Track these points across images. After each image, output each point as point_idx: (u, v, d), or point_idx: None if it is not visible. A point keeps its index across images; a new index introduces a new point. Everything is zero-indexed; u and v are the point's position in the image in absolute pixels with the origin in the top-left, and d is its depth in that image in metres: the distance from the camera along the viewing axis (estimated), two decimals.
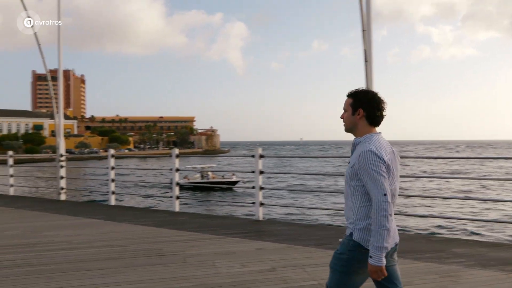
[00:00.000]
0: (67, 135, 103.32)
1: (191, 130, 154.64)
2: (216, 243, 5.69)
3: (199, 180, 34.11)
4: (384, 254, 2.15)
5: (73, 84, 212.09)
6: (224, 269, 4.47)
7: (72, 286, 4.02)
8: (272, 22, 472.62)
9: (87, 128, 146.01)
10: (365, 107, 2.32)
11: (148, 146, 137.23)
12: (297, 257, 4.95)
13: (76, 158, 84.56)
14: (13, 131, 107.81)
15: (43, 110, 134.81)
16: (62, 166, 10.50)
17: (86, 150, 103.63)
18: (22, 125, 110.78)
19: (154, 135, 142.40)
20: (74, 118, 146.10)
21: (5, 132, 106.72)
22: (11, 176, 11.69)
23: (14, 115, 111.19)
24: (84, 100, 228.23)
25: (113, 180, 9.56)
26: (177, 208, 8.59)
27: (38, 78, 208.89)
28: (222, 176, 35.63)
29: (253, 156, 7.57)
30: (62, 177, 10.51)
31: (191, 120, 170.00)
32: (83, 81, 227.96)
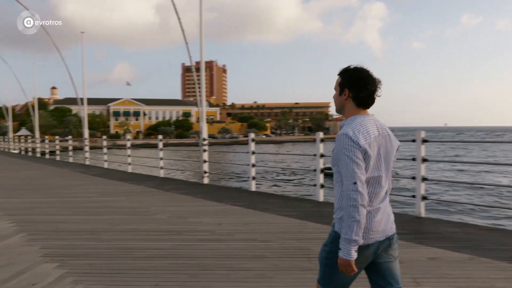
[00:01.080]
0: (211, 121, 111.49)
1: (326, 116, 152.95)
2: None
3: None
4: (353, 248, 1.96)
5: (216, 74, 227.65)
6: None
7: None
8: None
9: (228, 114, 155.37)
10: (351, 87, 2.11)
11: (284, 131, 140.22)
12: (487, 276, 3.73)
13: (218, 142, 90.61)
14: (166, 118, 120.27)
15: (191, 99, 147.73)
16: (205, 150, 10.60)
17: (227, 136, 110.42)
18: (173, 113, 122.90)
19: (290, 121, 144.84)
20: (217, 105, 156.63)
21: (160, 119, 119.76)
22: (161, 159, 12.32)
23: (167, 104, 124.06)
24: (225, 88, 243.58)
25: (253, 165, 9.22)
26: (321, 197, 7.82)
27: (186, 70, 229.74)
28: None
29: (413, 140, 6.35)
30: (205, 161, 10.62)
31: (326, 105, 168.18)
32: (224, 71, 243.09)
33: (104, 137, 17.51)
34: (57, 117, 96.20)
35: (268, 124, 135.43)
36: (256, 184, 9.69)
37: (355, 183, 1.94)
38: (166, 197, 8.58)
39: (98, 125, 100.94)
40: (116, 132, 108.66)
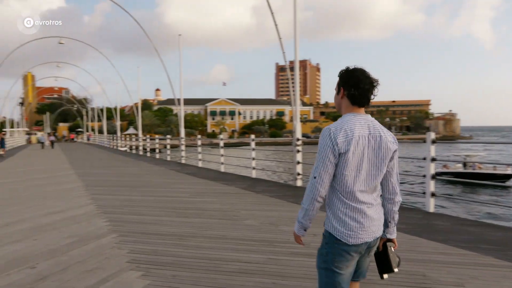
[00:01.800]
0: (304, 120, 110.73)
1: (426, 114, 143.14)
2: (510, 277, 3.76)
3: (461, 170, 27.38)
4: (301, 227, 2.25)
5: (310, 73, 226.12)
6: None
7: None
8: None
9: (322, 113, 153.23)
10: (345, 86, 2.18)
11: None
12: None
13: (312, 142, 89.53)
14: (260, 117, 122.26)
15: (284, 98, 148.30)
16: (298, 151, 10.02)
17: None
18: (267, 112, 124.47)
19: (386, 120, 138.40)
20: (310, 104, 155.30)
21: (254, 118, 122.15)
22: (253, 159, 12.01)
23: (261, 103, 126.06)
24: (319, 87, 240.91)
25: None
26: (431, 207, 6.80)
27: (280, 70, 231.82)
28: (494, 167, 26.90)
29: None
30: (298, 162, 10.04)
31: (426, 103, 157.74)
32: (318, 69, 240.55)
33: (199, 136, 17.84)
34: (160, 117, 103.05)
35: None
36: None
37: (315, 177, 2.11)
38: (257, 200, 8.18)
39: (196, 124, 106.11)
40: (213, 131, 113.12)
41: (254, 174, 12.10)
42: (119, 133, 40.27)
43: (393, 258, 2.29)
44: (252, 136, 12.34)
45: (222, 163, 14.06)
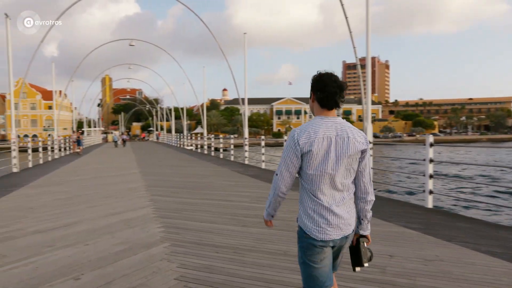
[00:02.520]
0: (372, 120, 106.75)
1: (508, 113, 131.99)
2: None
3: None
4: (268, 214, 2.53)
5: (378, 70, 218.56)
6: None
7: None
8: None
9: (391, 112, 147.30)
10: (314, 91, 2.30)
11: (455, 130, 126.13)
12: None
13: (380, 142, 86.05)
14: None
15: (351, 96, 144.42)
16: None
17: (390, 134, 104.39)
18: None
19: (462, 119, 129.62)
20: (379, 103, 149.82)
21: None
22: None
23: None
24: (388, 85, 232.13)
25: (431, 176, 7.41)
26: None
27: (347, 68, 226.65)
28: None
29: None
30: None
31: (508, 101, 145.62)
32: (387, 67, 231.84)
33: (262, 137, 17.36)
34: (226, 116, 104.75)
35: (436, 122, 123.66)
36: (435, 199, 7.82)
37: (277, 174, 2.32)
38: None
39: (262, 123, 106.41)
40: (278, 130, 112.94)
41: None
42: (185, 132, 41.13)
43: (365, 253, 2.36)
44: None
45: None
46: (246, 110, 18.41)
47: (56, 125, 28.55)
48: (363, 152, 2.25)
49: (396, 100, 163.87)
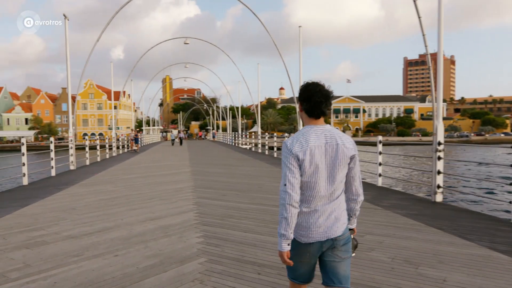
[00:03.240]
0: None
1: None
2: None
3: None
4: (284, 241, 2.22)
5: (443, 66, 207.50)
6: None
7: None
8: None
9: (456, 110, 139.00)
10: (301, 101, 2.38)
11: None
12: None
13: (456, 143, 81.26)
14: (387, 115, 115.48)
15: (413, 94, 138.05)
16: (439, 158, 7.97)
17: (455, 134, 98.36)
18: (394, 109, 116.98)
19: None
20: (444, 100, 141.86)
21: (380, 116, 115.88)
22: (380, 164, 10.19)
23: (387, 100, 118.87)
24: (453, 82, 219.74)
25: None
26: None
27: (409, 64, 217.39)
28: None
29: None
30: (439, 172, 7.99)
31: None
32: (452, 62, 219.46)
33: None
34: (283, 115, 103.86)
35: (507, 121, 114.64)
36: None
37: (285, 184, 2.23)
38: (385, 219, 6.46)
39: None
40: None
41: (380, 182, 10.26)
42: (240, 131, 40.92)
43: (352, 243, 2.46)
44: (379, 138, 10.43)
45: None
46: (298, 108, 17.46)
47: (114, 124, 29.28)
48: (352, 158, 2.32)
49: (462, 98, 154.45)
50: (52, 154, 13.79)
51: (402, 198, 8.68)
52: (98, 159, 20.76)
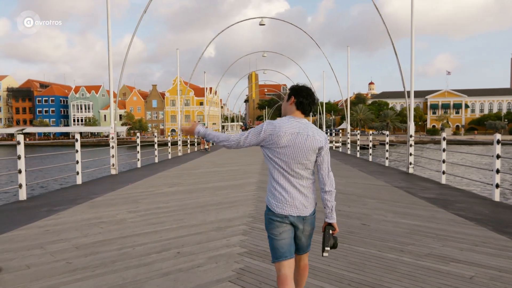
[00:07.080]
0: None
1: None
2: None
3: None
4: (202, 132, 2.76)
5: None
6: None
7: None
8: None
9: None
10: (296, 96, 2.65)
11: None
12: None
13: None
14: (494, 110, 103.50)
15: None
16: None
17: None
18: (503, 104, 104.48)
19: None
20: None
21: (485, 111, 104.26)
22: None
23: (494, 94, 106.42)
24: None
25: None
26: None
27: None
28: None
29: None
30: None
31: None
32: None
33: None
34: (374, 111, 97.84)
35: None
36: None
37: (237, 138, 2.65)
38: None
39: (415, 118, 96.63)
40: (433, 126, 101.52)
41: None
42: (324, 128, 38.08)
43: (328, 239, 2.59)
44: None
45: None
46: (412, 103, 14.27)
47: (179, 120, 28.11)
48: (320, 149, 2.57)
49: None
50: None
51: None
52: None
